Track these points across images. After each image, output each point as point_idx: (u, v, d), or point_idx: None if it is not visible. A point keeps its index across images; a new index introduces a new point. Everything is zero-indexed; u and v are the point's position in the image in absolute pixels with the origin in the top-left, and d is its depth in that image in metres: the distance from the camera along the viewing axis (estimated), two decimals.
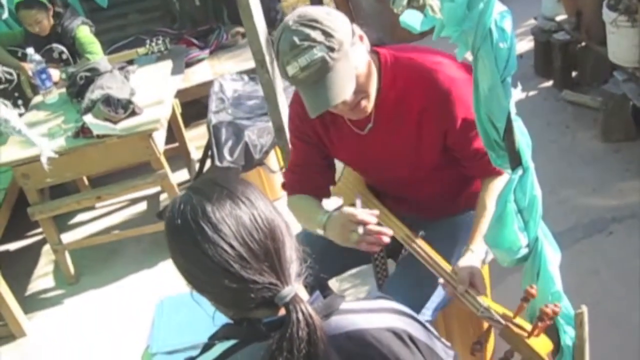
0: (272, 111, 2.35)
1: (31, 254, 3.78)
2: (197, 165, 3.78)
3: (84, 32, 3.80)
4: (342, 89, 1.50)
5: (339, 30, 1.49)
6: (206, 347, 1.05)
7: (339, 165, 1.97)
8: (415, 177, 1.79)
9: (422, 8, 1.32)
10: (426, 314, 1.72)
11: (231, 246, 0.98)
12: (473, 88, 1.30)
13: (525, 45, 4.27)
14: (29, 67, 3.58)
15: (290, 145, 2.01)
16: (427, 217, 1.90)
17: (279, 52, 1.51)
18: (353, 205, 1.69)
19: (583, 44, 3.65)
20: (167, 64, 3.77)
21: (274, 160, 3.56)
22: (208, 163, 3.60)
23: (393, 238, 1.62)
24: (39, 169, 3.00)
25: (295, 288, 1.01)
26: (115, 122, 3.08)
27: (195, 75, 4.42)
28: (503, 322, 1.46)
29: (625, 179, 3.04)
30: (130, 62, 4.00)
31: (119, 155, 3.18)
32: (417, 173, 1.78)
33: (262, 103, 3.50)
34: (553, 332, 1.44)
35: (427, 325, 1.16)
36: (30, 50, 3.48)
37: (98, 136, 3.06)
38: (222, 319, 1.06)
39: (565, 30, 3.69)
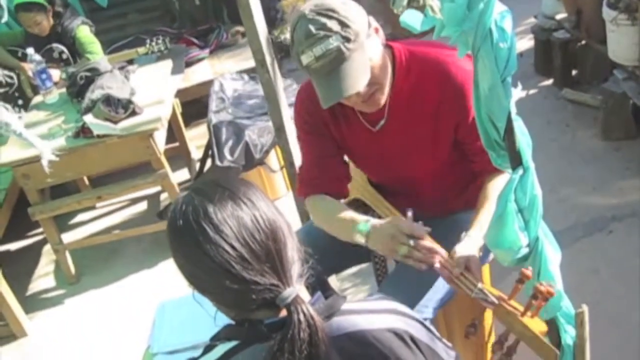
0: (272, 110, 2.35)
1: (32, 254, 3.78)
2: (197, 165, 3.78)
3: (84, 32, 3.80)
4: (357, 80, 1.49)
5: (356, 21, 1.48)
6: (208, 348, 1.05)
7: None
8: (424, 173, 1.79)
9: (422, 8, 1.32)
10: (426, 312, 1.71)
11: (233, 247, 0.98)
12: (473, 88, 1.30)
13: (526, 43, 4.27)
14: (29, 67, 3.58)
15: (299, 146, 1.96)
16: (430, 213, 1.89)
17: (294, 41, 1.50)
18: (403, 215, 1.62)
19: (583, 42, 3.66)
20: (167, 64, 3.76)
21: (275, 159, 3.56)
22: (208, 163, 3.60)
23: None
24: (40, 169, 3.00)
25: (297, 289, 1.01)
26: (115, 122, 3.08)
27: (196, 75, 4.41)
28: (497, 302, 1.46)
29: (625, 178, 3.04)
30: (130, 61, 4.00)
31: (119, 155, 3.18)
32: (426, 169, 1.78)
33: (262, 102, 3.50)
34: (554, 332, 1.44)
35: (429, 325, 1.16)
36: (30, 50, 3.47)
37: (98, 136, 3.07)
38: (223, 320, 1.07)
39: (565, 29, 3.69)
